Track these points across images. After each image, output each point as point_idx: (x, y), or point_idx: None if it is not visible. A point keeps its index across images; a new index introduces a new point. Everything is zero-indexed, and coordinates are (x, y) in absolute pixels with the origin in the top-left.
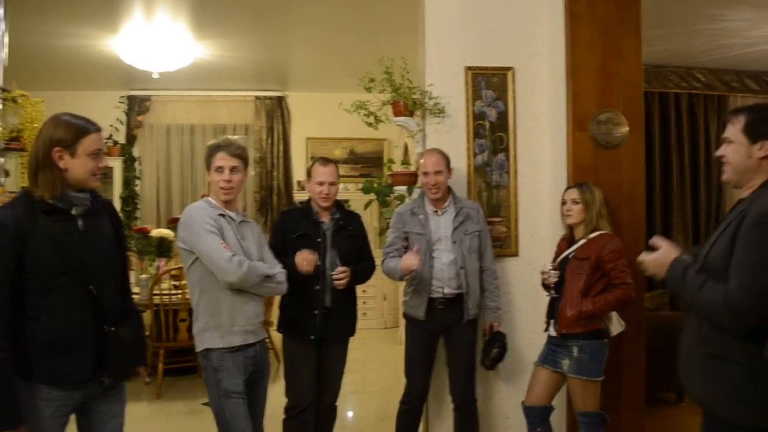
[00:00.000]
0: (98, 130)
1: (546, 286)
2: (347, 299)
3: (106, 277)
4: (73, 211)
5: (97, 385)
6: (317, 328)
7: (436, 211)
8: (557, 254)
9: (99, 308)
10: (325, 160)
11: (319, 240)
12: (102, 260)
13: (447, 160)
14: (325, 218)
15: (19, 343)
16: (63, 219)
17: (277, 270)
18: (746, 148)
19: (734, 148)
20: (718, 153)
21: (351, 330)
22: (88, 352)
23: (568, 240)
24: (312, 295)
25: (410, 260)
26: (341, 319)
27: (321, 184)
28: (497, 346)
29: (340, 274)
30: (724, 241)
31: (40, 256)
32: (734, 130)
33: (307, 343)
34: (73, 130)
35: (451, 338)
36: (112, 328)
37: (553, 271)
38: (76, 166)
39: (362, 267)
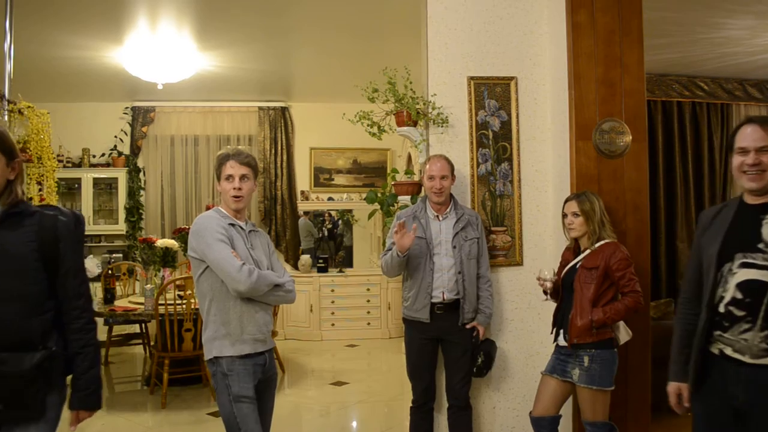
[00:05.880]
0: None
1: (544, 292)
2: None
3: None
4: None
5: None
6: None
7: (437, 216)
8: (562, 264)
9: None
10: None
11: None
12: None
13: (452, 166)
14: None
15: None
16: None
17: (287, 279)
18: None
19: None
20: (755, 160)
21: None
22: None
23: (574, 250)
24: None
25: (404, 240)
26: None
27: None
28: (482, 354)
29: None
30: None
31: None
32: None
33: None
34: None
35: (449, 342)
36: None
37: (547, 275)
38: None
39: None
